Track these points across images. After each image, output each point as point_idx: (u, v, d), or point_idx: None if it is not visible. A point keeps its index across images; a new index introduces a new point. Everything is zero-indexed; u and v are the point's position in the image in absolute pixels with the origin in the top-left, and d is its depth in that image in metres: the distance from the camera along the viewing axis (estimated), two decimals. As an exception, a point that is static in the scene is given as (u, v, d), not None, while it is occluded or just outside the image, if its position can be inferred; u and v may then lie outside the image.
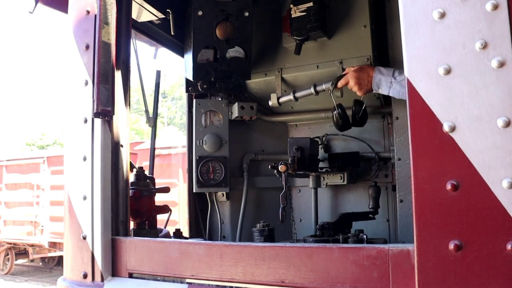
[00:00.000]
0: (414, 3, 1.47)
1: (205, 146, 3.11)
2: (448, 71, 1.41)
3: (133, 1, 2.52)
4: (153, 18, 3.06)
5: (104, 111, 2.12)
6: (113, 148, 2.21)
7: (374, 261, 1.52)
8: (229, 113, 3.18)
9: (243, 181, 3.33)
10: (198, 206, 3.41)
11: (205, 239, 3.29)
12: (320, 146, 3.21)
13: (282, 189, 2.50)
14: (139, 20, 3.04)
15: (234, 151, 3.26)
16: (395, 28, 2.77)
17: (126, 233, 2.23)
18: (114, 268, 2.11)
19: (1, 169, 13.85)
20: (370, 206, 2.92)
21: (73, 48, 2.26)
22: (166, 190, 2.82)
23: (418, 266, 1.40)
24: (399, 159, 2.78)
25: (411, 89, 1.46)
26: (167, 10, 3.09)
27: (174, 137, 26.51)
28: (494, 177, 1.32)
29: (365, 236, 2.35)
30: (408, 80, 1.47)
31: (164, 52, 3.51)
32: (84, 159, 2.17)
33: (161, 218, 2.78)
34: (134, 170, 2.61)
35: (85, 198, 2.14)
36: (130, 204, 2.31)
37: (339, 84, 2.62)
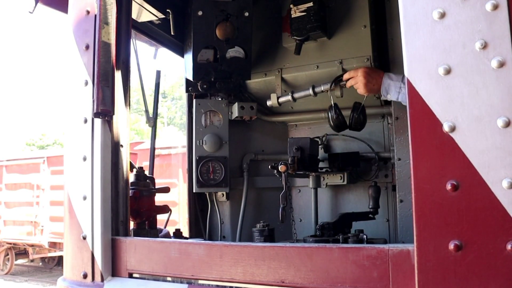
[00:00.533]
0: (414, 3, 1.47)
1: (205, 146, 3.11)
2: (448, 71, 1.41)
3: (133, 1, 2.51)
4: (153, 18, 3.06)
5: (104, 111, 2.12)
6: (113, 148, 2.21)
7: (374, 261, 1.52)
8: (229, 113, 3.18)
9: (243, 181, 3.33)
10: (198, 206, 3.41)
11: (205, 239, 3.29)
12: (320, 146, 3.21)
13: (282, 189, 2.50)
14: (139, 20, 3.04)
15: (234, 151, 3.26)
16: (395, 28, 2.77)
17: (126, 233, 2.23)
18: (114, 268, 2.10)
19: (1, 169, 13.85)
20: (370, 206, 2.92)
21: (73, 48, 2.26)
22: (166, 190, 2.82)
23: (418, 266, 1.40)
24: (399, 159, 2.78)
25: (411, 89, 1.46)
26: (167, 10, 3.09)
27: (174, 137, 26.51)
28: (494, 177, 1.32)
29: (365, 236, 2.35)
30: (408, 80, 1.47)
31: (164, 52, 3.51)
32: (84, 159, 2.17)
33: (161, 218, 2.78)
34: (134, 170, 2.61)
35: (85, 198, 2.14)
36: (130, 204, 2.31)
37: (348, 84, 2.59)
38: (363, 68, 2.54)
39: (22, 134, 42.56)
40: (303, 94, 2.84)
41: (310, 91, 2.77)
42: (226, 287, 1.81)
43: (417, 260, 1.40)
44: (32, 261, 14.58)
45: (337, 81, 2.65)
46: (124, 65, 2.32)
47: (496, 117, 1.33)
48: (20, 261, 14.90)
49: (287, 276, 1.66)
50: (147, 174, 2.75)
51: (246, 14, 2.94)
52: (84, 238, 2.12)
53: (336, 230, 2.59)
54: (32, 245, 13.26)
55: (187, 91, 3.30)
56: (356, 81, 2.53)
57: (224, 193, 3.30)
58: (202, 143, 3.11)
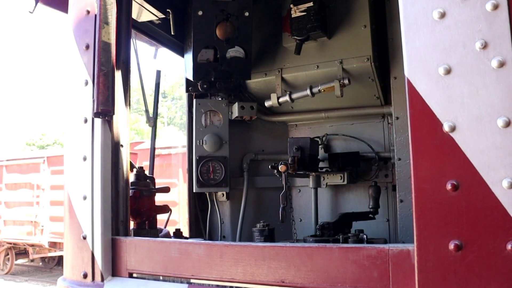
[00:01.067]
0: (414, 3, 1.47)
1: (205, 146, 3.11)
2: (448, 71, 1.41)
3: (133, 1, 2.52)
4: (153, 18, 3.06)
5: (104, 111, 2.12)
6: (113, 148, 2.21)
7: (374, 261, 1.52)
8: (229, 113, 3.18)
9: (243, 181, 3.33)
10: (198, 206, 3.41)
11: (205, 239, 3.29)
12: (320, 146, 3.21)
13: (282, 189, 2.50)
14: (139, 20, 3.04)
15: (234, 151, 3.26)
16: (395, 28, 2.77)
17: (126, 233, 2.23)
18: (114, 268, 2.11)
19: (1, 169, 13.86)
20: (370, 206, 2.92)
21: (73, 48, 2.26)
22: (166, 190, 2.82)
23: (418, 266, 1.40)
24: (399, 159, 2.78)
25: (411, 89, 1.46)
26: (167, 10, 3.10)
27: (174, 137, 26.51)
28: (494, 177, 1.32)
29: (365, 236, 2.35)
30: (408, 80, 1.47)
31: (164, 52, 3.52)
32: (84, 159, 2.17)
33: (161, 218, 2.78)
34: (134, 170, 2.61)
35: (85, 198, 2.14)
36: (130, 204, 2.31)
37: None
38: None
39: (22, 134, 42.59)
40: (300, 95, 2.85)
41: (308, 92, 2.77)
42: (226, 287, 1.81)
43: (417, 260, 1.40)
44: (32, 261, 14.59)
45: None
46: (124, 65, 2.32)
47: (496, 117, 1.33)
48: (20, 261, 14.92)
49: (287, 276, 1.66)
50: (147, 174, 2.75)
51: (246, 14, 2.94)
52: (84, 238, 2.12)
53: (336, 230, 2.59)
54: (32, 245, 13.26)
55: (187, 91, 3.30)
56: None
57: (224, 193, 3.30)
58: (202, 143, 3.11)
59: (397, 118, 2.80)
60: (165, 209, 2.78)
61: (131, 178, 2.49)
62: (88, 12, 2.21)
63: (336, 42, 2.90)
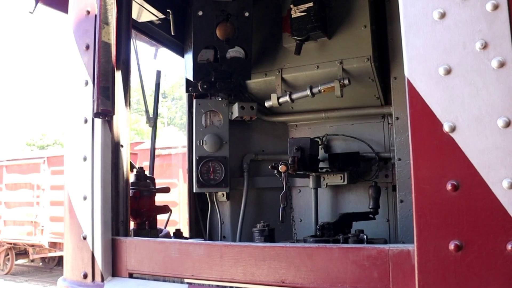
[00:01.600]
0: (414, 3, 1.47)
1: (205, 146, 3.11)
2: (448, 71, 1.41)
3: (133, 1, 2.51)
4: (153, 18, 3.06)
5: (104, 111, 2.12)
6: (113, 148, 2.21)
7: (374, 261, 1.52)
8: (229, 113, 3.18)
9: (243, 181, 3.33)
10: (198, 206, 3.41)
11: (205, 239, 3.29)
12: (320, 146, 3.21)
13: (282, 189, 2.50)
14: (139, 20, 3.04)
15: (234, 151, 3.26)
16: (395, 28, 2.77)
17: (126, 233, 2.23)
18: (114, 268, 2.10)
19: (1, 169, 13.86)
20: (370, 206, 2.92)
21: (73, 48, 2.26)
22: (166, 190, 2.82)
23: (418, 266, 1.40)
24: (399, 159, 2.78)
25: (411, 89, 1.46)
26: (167, 10, 3.10)
27: (174, 137, 26.51)
28: (494, 177, 1.32)
29: (365, 236, 2.35)
30: (408, 80, 1.47)
31: (164, 52, 3.51)
32: (84, 159, 2.17)
33: (161, 218, 2.78)
34: (134, 170, 2.61)
35: (85, 198, 2.14)
36: (130, 204, 2.31)
37: None
38: None
39: (22, 134, 42.60)
40: (300, 95, 2.85)
41: (308, 92, 2.77)
42: (226, 287, 1.81)
43: (417, 260, 1.40)
44: (32, 261, 14.59)
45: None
46: (124, 65, 2.32)
47: (496, 117, 1.33)
48: (20, 261, 14.92)
49: (288, 276, 1.66)
50: (147, 174, 2.75)
51: (246, 14, 2.94)
52: (84, 238, 2.11)
53: (336, 230, 2.59)
54: (32, 245, 13.27)
55: (187, 91, 3.30)
56: None
57: (224, 193, 3.30)
58: (202, 143, 3.11)
59: (397, 118, 2.80)
60: (165, 209, 2.78)
61: (131, 178, 2.49)
62: (88, 12, 2.21)
63: (336, 42, 2.90)
